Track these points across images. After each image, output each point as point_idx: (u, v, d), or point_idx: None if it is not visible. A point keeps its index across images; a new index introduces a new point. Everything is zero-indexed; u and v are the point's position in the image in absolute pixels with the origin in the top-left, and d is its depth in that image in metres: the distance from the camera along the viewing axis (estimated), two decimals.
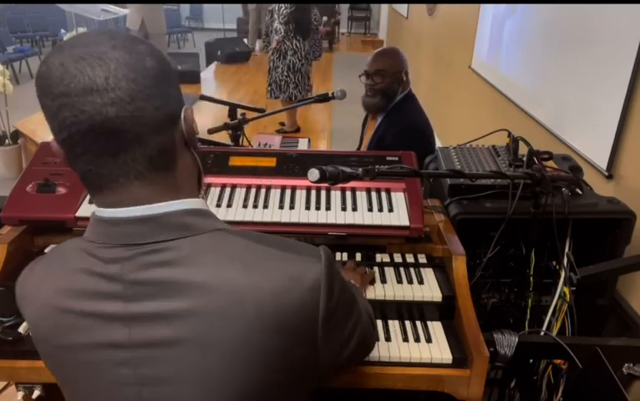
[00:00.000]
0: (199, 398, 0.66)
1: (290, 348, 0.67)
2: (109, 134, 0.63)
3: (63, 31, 6.53)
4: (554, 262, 1.51)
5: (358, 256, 1.44)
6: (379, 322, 1.28)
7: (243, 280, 0.65)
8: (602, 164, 1.95)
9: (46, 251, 1.41)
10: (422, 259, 1.44)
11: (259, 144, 2.40)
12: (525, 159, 1.52)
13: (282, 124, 5.35)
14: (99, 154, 0.64)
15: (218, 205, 1.45)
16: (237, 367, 0.65)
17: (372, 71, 2.28)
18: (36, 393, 1.31)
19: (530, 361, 1.47)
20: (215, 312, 0.64)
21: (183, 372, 0.65)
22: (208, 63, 8.21)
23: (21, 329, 1.23)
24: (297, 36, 4.78)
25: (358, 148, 2.52)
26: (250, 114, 2.13)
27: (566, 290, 1.40)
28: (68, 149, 0.66)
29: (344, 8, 12.93)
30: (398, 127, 2.25)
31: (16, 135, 4.39)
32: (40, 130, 4.18)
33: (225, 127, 2.02)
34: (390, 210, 1.43)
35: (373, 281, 1.33)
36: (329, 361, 0.74)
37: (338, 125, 5.64)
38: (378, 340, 1.23)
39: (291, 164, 1.55)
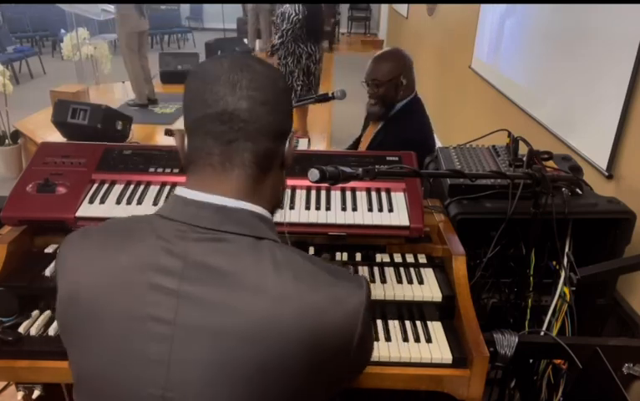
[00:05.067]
0: (221, 384, 0.68)
1: (320, 365, 0.71)
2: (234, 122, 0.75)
3: (63, 31, 6.52)
4: (554, 262, 1.50)
5: (358, 256, 1.44)
6: (379, 322, 1.29)
7: (291, 289, 0.70)
8: (602, 164, 1.95)
9: (46, 251, 1.41)
10: (422, 259, 1.44)
11: None
12: (525, 159, 1.52)
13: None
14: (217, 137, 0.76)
15: None
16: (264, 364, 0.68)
17: (369, 80, 2.18)
18: (36, 393, 1.31)
19: (530, 361, 1.47)
20: (259, 312, 0.68)
21: (214, 358, 0.68)
22: None
23: (21, 329, 1.23)
24: (310, 39, 4.60)
25: (354, 143, 2.45)
26: None
27: (566, 290, 1.40)
28: (194, 129, 0.77)
29: (344, 8, 12.93)
30: (395, 143, 2.03)
31: (16, 135, 4.39)
32: (40, 130, 4.17)
33: None
34: (390, 210, 1.43)
35: None
36: (351, 378, 0.80)
37: (338, 125, 5.62)
38: (377, 340, 1.24)
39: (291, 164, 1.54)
